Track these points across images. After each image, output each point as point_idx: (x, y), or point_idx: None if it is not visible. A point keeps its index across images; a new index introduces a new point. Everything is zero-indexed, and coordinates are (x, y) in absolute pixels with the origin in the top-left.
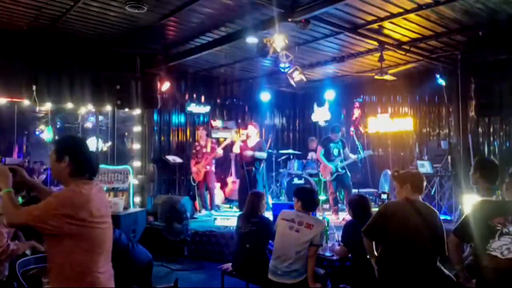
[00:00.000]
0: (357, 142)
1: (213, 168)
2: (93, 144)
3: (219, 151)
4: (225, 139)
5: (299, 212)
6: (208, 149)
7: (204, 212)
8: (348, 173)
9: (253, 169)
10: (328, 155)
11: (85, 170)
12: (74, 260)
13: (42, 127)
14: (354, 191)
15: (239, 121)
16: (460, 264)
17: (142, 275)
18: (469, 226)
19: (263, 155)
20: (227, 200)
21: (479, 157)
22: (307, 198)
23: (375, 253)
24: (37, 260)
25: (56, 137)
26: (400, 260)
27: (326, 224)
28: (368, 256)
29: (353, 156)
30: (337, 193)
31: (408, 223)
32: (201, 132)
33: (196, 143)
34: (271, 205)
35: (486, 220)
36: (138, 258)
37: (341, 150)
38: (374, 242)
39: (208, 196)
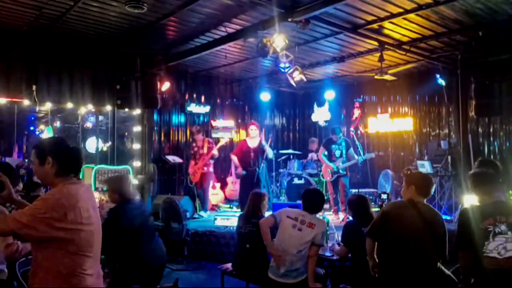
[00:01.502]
0: (357, 142)
1: (211, 169)
2: (93, 144)
3: (215, 152)
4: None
5: (302, 211)
6: (205, 150)
7: (202, 213)
8: (348, 174)
9: (256, 169)
10: (330, 157)
11: (70, 167)
12: (61, 262)
13: (42, 127)
14: (354, 191)
15: (239, 121)
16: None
17: (154, 274)
18: (463, 235)
19: (270, 152)
20: (227, 200)
21: (471, 173)
22: (307, 200)
23: (375, 256)
24: None
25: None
26: (399, 259)
27: (327, 224)
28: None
29: (355, 157)
30: (337, 194)
31: (407, 224)
32: (196, 136)
33: (194, 144)
34: (271, 205)
35: (477, 224)
36: (157, 253)
37: (344, 151)
38: (376, 244)
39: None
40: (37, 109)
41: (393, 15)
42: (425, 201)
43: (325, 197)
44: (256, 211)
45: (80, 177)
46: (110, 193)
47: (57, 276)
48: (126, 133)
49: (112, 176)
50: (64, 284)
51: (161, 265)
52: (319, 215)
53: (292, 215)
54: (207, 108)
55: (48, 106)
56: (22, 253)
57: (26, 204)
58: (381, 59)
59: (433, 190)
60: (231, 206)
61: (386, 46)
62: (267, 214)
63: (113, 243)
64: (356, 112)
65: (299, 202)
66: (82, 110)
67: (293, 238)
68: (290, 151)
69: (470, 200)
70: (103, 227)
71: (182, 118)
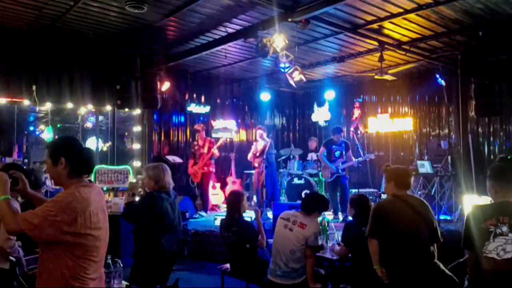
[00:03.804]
0: (357, 142)
1: (211, 169)
2: (93, 144)
3: (215, 151)
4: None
5: (297, 212)
6: (205, 150)
7: (202, 213)
8: (347, 175)
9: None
10: (329, 156)
11: (82, 169)
12: (65, 265)
13: (42, 127)
14: (354, 191)
15: (239, 121)
16: None
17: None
18: (468, 235)
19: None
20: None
21: (492, 166)
22: (303, 200)
23: (379, 258)
24: (37, 260)
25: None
26: (404, 256)
27: (326, 224)
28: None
29: (353, 159)
30: (336, 194)
31: (405, 220)
32: (200, 134)
33: (195, 142)
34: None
35: (479, 224)
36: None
37: (343, 152)
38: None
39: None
40: (37, 109)
41: (393, 15)
42: (407, 192)
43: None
44: (235, 214)
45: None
46: (147, 179)
47: (61, 278)
48: (126, 133)
49: (153, 164)
50: (67, 286)
51: (174, 257)
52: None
53: (285, 216)
54: (207, 108)
55: (48, 106)
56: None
57: (40, 198)
58: (381, 59)
59: (412, 180)
60: None
61: (386, 46)
62: (268, 214)
63: (142, 221)
64: (356, 112)
65: (299, 202)
66: (82, 110)
67: (284, 238)
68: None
69: (470, 200)
70: (138, 204)
71: (182, 118)
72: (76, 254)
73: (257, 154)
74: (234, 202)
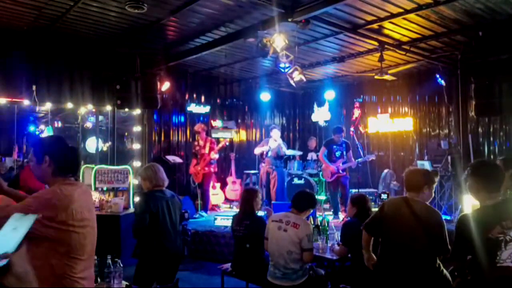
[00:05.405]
0: (357, 143)
1: (212, 169)
2: (93, 144)
3: (213, 156)
4: (224, 139)
5: (288, 213)
6: (207, 150)
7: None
8: (347, 175)
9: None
10: (330, 156)
11: (67, 168)
12: (51, 264)
13: (42, 127)
14: (354, 191)
15: (239, 121)
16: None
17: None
18: (463, 246)
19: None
20: (227, 200)
21: (475, 163)
22: (294, 199)
23: (370, 248)
24: None
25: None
26: (396, 256)
27: (326, 224)
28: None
29: (353, 161)
30: (337, 194)
31: (400, 221)
32: (200, 135)
33: (196, 143)
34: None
35: (485, 234)
36: (177, 245)
37: (344, 153)
38: (372, 238)
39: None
40: (37, 109)
41: (393, 15)
42: (419, 195)
43: (325, 197)
44: (248, 210)
45: (80, 177)
46: (142, 181)
47: (48, 277)
48: (126, 133)
49: (146, 165)
50: (54, 286)
51: (177, 256)
52: (319, 214)
53: (277, 218)
54: (207, 108)
55: (48, 106)
56: None
57: (19, 195)
58: (381, 59)
59: (417, 180)
60: (231, 206)
61: (386, 46)
62: (261, 213)
63: (142, 223)
64: (356, 112)
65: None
66: (82, 110)
67: (280, 240)
68: (291, 151)
69: (470, 200)
70: (137, 210)
71: (182, 118)
72: (60, 252)
73: (269, 154)
74: (248, 198)
